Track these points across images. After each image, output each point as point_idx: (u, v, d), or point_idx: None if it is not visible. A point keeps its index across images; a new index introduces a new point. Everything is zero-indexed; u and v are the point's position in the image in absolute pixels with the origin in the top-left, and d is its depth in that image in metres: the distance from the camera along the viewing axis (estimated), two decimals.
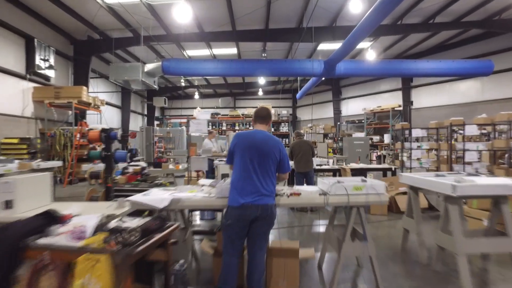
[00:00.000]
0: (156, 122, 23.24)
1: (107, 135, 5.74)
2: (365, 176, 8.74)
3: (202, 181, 3.77)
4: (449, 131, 7.51)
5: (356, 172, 7.67)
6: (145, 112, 22.95)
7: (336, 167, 7.19)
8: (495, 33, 13.49)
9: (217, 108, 24.69)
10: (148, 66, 12.87)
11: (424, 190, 3.86)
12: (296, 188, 3.52)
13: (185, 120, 22.13)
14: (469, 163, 7.71)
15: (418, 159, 9.14)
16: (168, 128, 16.88)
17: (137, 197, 3.18)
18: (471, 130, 7.13)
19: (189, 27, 12.75)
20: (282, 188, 3.46)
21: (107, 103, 17.01)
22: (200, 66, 13.16)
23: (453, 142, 11.43)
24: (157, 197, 3.18)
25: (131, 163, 5.51)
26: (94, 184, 7.05)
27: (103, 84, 16.47)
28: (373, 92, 21.15)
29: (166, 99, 21.36)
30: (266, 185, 2.81)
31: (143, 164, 5.46)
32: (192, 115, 22.73)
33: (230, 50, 15.87)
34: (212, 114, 21.58)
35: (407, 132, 12.46)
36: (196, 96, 23.45)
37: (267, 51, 15.99)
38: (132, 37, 13.04)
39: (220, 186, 3.11)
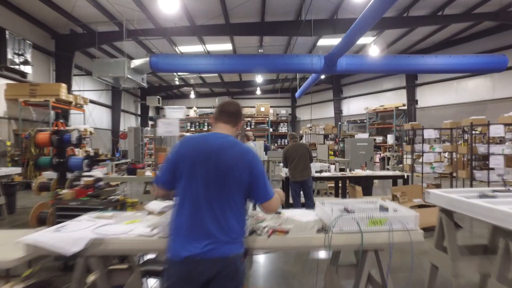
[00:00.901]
0: (150, 122, 22.13)
1: (60, 138, 4.67)
2: (372, 185, 7.63)
3: (152, 204, 2.64)
4: (470, 132, 6.38)
5: (362, 180, 6.55)
6: (139, 112, 21.85)
7: (339, 174, 6.06)
8: (509, 25, 12.31)
9: (213, 107, 23.57)
10: (135, 62, 11.76)
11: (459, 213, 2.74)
12: (284, 217, 2.39)
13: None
14: (491, 169, 6.58)
15: (430, 163, 8.00)
16: None
17: (41, 236, 2.07)
18: (497, 131, 6.02)
19: (179, 20, 11.65)
20: (265, 217, 2.33)
21: (95, 102, 15.95)
22: (191, 61, 12.10)
23: (463, 144, 10.27)
24: (71, 234, 2.06)
25: (87, 173, 4.39)
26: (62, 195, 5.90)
27: (91, 82, 15.37)
28: (376, 90, 20.01)
29: (160, 98, 20.20)
30: (226, 223, 1.68)
31: (99, 174, 4.36)
32: (188, 115, 21.66)
33: (224, 46, 14.76)
34: (206, 114, 20.42)
35: (411, 133, 11.36)
36: (192, 95, 22.34)
37: (263, 46, 14.91)
38: (118, 31, 11.93)
39: (165, 221, 2.00)
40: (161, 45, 14.09)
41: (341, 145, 17.35)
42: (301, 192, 5.70)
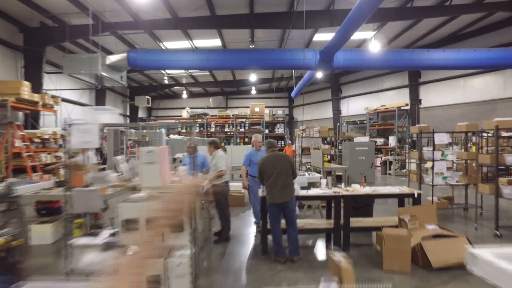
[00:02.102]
0: (141, 124, 20.83)
1: None
2: (372, 202, 6.18)
3: None
4: (495, 136, 5.02)
5: (361, 201, 5.22)
6: (128, 113, 20.52)
7: (331, 192, 4.69)
8: None
9: (207, 108, 22.29)
10: (111, 58, 10.45)
11: None
12: None
13: (173, 122, 19.80)
14: None
15: (441, 172, 6.66)
16: (144, 131, 14.44)
17: None
18: None
19: (158, 11, 10.37)
20: None
21: (76, 103, 14.69)
22: (174, 57, 10.83)
23: (474, 149, 8.93)
24: None
25: None
26: None
27: (69, 80, 14.09)
28: (376, 89, 18.65)
29: (150, 98, 18.96)
30: None
31: None
32: (180, 116, 20.39)
33: (213, 41, 13.45)
34: (198, 114, 19.03)
35: (414, 135, 9.99)
36: (184, 95, 21.03)
37: (255, 42, 13.59)
38: (92, 24, 10.64)
39: None
40: (145, 41, 12.82)
41: (340, 147, 16.00)
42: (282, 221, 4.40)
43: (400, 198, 4.95)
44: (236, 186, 8.02)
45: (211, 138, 6.11)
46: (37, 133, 9.13)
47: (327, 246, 4.92)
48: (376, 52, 10.55)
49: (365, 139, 12.18)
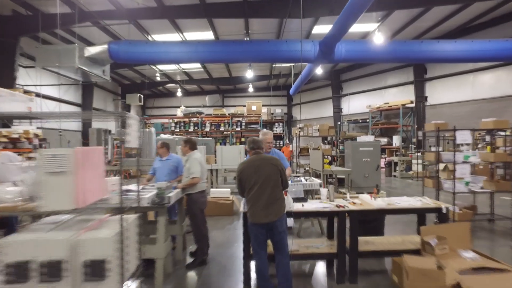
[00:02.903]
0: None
1: None
2: (384, 216, 4.97)
3: None
4: None
5: (375, 218, 4.11)
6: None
7: (333, 207, 3.57)
8: None
9: (203, 106, 21.21)
10: (91, 50, 9.36)
11: None
12: None
13: (166, 121, 18.68)
14: None
15: (461, 178, 5.54)
16: None
17: None
18: None
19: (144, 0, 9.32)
20: None
21: (60, 100, 13.61)
22: (161, 49, 9.72)
23: (488, 148, 7.83)
24: None
25: None
26: None
27: (52, 75, 13.01)
28: (379, 86, 17.52)
29: (142, 96, 17.85)
30: None
31: None
32: (175, 115, 19.34)
33: (205, 34, 12.36)
34: (192, 113, 17.85)
35: (419, 134, 8.85)
36: (179, 93, 19.91)
37: (251, 34, 12.53)
38: (70, 13, 9.60)
39: None
40: (131, 33, 11.73)
41: (341, 147, 14.88)
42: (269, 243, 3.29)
43: (420, 213, 3.83)
44: (223, 192, 6.93)
45: (188, 137, 5.03)
46: (3, 131, 8.02)
47: (329, 274, 3.82)
48: (381, 43, 9.43)
49: (370, 138, 11.03)
